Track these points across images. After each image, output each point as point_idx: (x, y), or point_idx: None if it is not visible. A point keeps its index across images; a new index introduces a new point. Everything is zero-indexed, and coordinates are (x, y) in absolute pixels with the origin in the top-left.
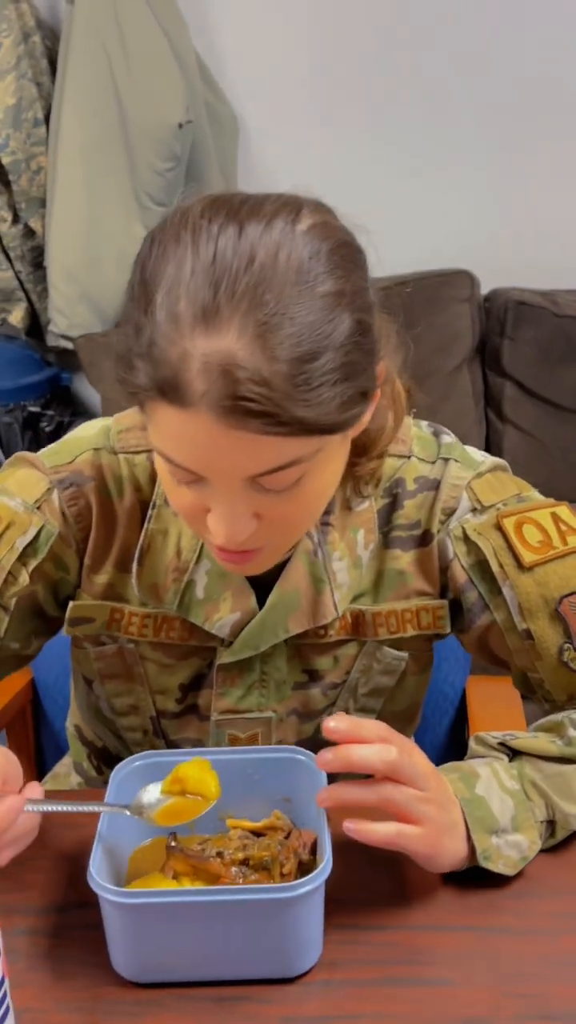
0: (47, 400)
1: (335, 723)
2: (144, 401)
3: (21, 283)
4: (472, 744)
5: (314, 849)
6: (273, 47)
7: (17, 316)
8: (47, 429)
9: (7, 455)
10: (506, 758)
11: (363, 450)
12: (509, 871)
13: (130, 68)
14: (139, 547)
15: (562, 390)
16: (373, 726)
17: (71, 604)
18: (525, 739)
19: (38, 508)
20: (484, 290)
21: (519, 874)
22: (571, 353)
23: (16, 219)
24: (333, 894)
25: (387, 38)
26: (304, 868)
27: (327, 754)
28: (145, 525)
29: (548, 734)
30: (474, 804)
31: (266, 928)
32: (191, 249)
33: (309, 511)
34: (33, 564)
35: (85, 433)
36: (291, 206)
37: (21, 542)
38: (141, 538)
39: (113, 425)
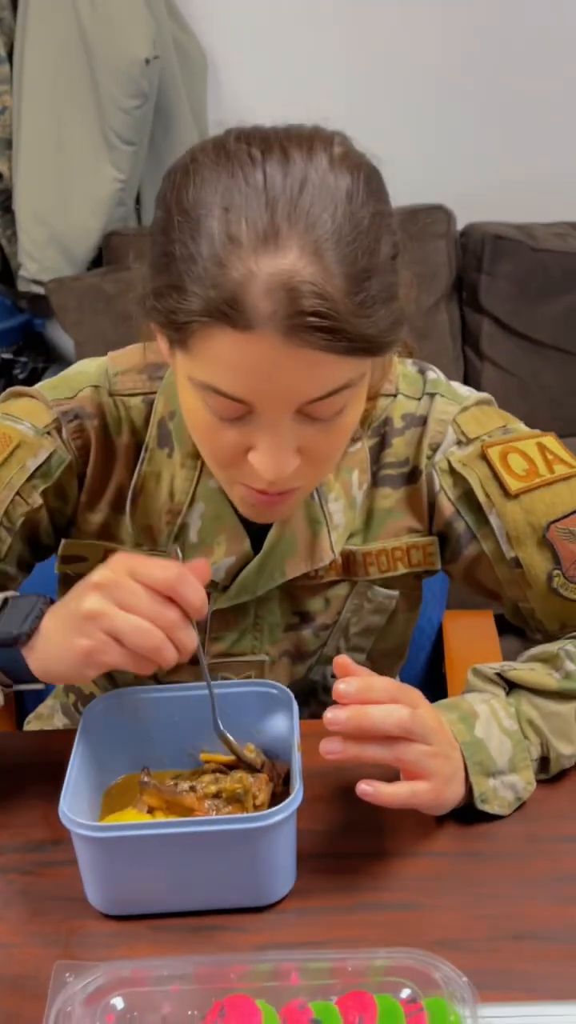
0: (20, 347)
1: (344, 686)
2: (195, 331)
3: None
4: (469, 676)
5: (287, 780)
6: None
7: None
8: (20, 376)
9: None
10: (503, 692)
11: None
12: (504, 812)
13: (94, 2)
14: (132, 488)
15: (540, 325)
16: (382, 685)
17: (64, 541)
18: (522, 671)
19: (48, 434)
20: (460, 225)
21: None
22: (549, 287)
23: None
24: (306, 823)
25: None
26: (278, 799)
27: (341, 713)
28: (138, 467)
29: (544, 665)
30: (474, 747)
31: (239, 858)
32: (239, 174)
33: (342, 445)
34: (43, 487)
35: (83, 369)
36: (323, 135)
37: (32, 463)
38: (134, 479)
39: (109, 367)
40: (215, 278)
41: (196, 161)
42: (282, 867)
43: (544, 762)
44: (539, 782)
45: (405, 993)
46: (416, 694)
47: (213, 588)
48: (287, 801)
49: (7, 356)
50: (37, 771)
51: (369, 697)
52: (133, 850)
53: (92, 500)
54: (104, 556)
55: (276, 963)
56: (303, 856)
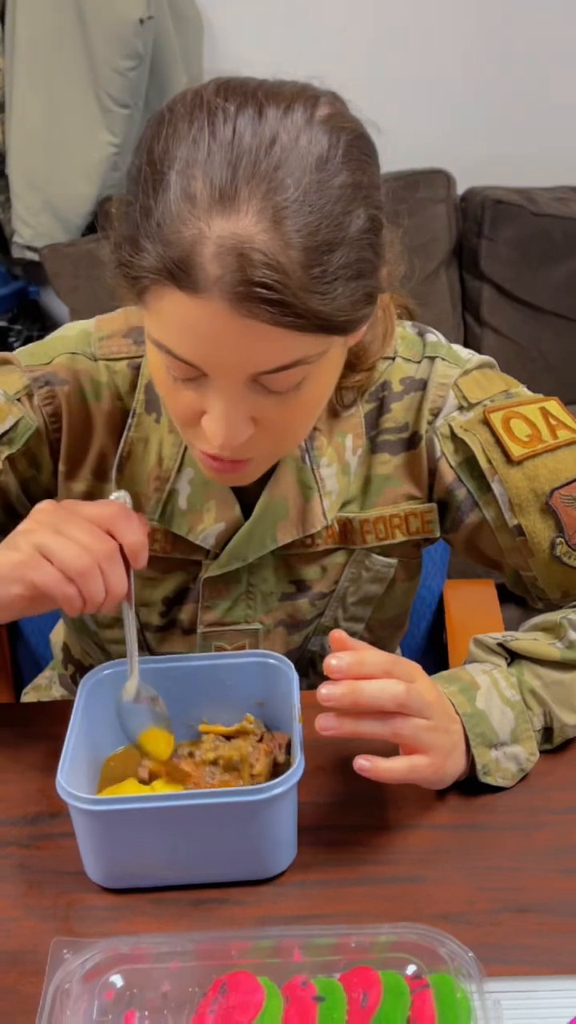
0: (15, 314)
1: (336, 661)
2: (148, 288)
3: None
4: (471, 647)
5: (289, 750)
6: None
7: None
8: (15, 344)
9: None
10: (504, 662)
11: (351, 363)
12: (506, 783)
13: None
14: (118, 455)
15: (541, 291)
16: (375, 659)
17: None
18: (524, 641)
19: (18, 400)
20: (460, 189)
21: None
22: (550, 253)
23: None
24: (307, 795)
25: None
26: (279, 770)
27: (335, 689)
28: (125, 433)
29: (546, 635)
30: (475, 719)
31: (240, 830)
32: (207, 128)
33: (304, 419)
34: (7, 452)
35: (63, 335)
36: (309, 93)
37: None
38: (121, 445)
39: (94, 331)
40: (167, 235)
41: (172, 111)
42: (283, 840)
43: (548, 732)
44: (542, 752)
45: (410, 969)
46: (413, 667)
47: (204, 556)
48: (288, 773)
49: (2, 324)
50: (35, 743)
51: (362, 672)
52: (132, 823)
53: (72, 469)
54: None
55: (278, 939)
56: (304, 829)
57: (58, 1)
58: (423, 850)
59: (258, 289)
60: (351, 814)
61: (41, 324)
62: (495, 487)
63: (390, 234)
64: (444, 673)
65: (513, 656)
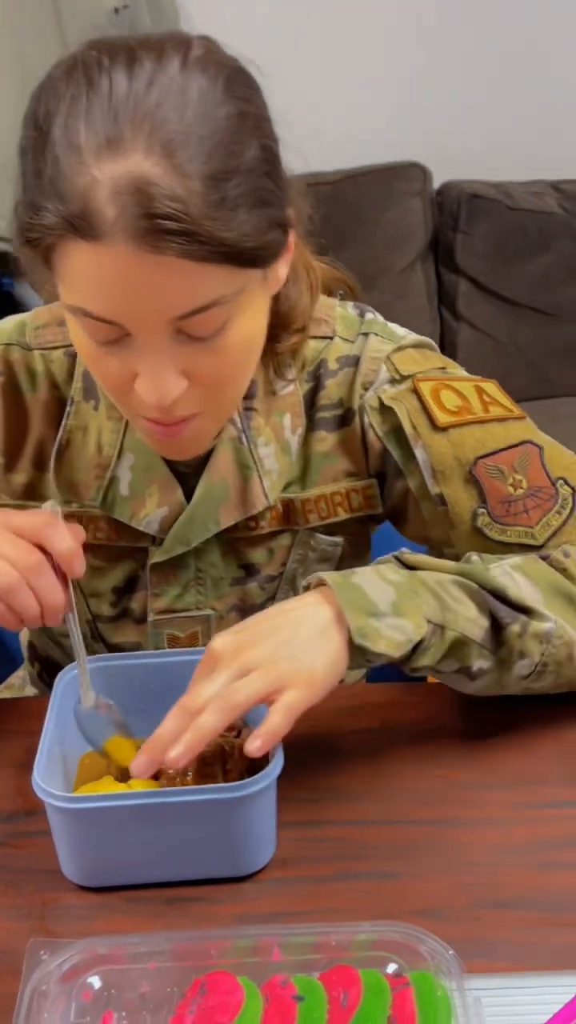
0: None
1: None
2: (53, 247)
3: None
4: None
5: None
6: None
7: None
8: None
9: None
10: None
11: (282, 324)
12: (393, 652)
13: None
14: (57, 443)
15: (516, 286)
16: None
17: None
18: (423, 556)
19: None
20: (436, 183)
21: (470, 765)
22: (525, 247)
23: None
24: (284, 791)
25: None
26: (256, 764)
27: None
28: (64, 421)
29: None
30: (347, 588)
31: (218, 828)
32: (85, 83)
33: (236, 369)
34: None
35: (1, 327)
36: (180, 37)
37: None
38: (59, 434)
39: (29, 321)
40: (60, 189)
41: (50, 76)
42: (261, 837)
43: (441, 631)
44: (511, 741)
45: (391, 968)
46: (212, 655)
47: (151, 542)
48: (267, 770)
49: None
50: (8, 740)
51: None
52: (108, 821)
53: (10, 461)
54: None
55: (257, 938)
56: (282, 824)
57: None
58: (401, 845)
59: (159, 221)
60: (329, 810)
61: (13, 312)
62: (418, 453)
63: (291, 179)
64: None
65: (408, 568)
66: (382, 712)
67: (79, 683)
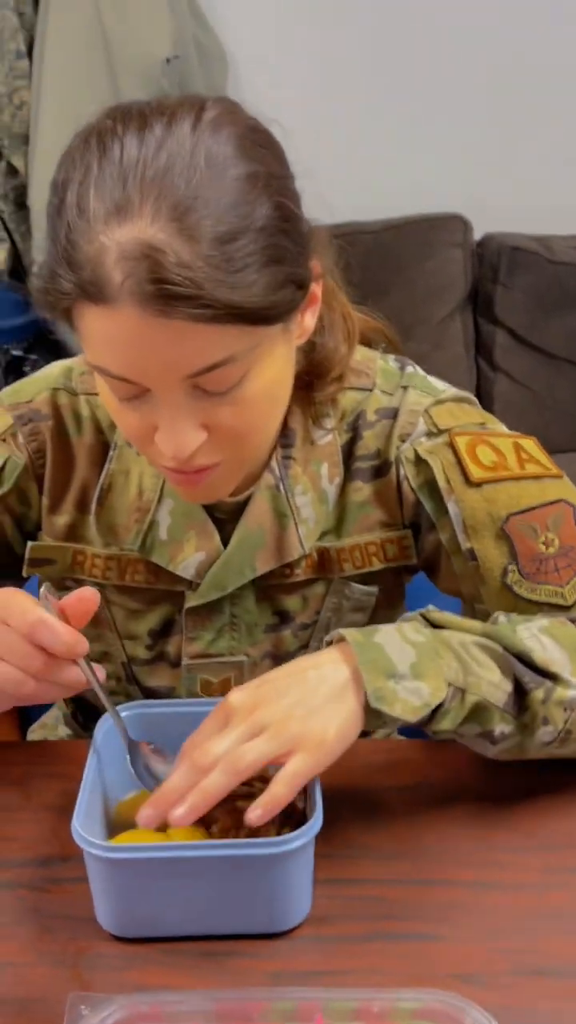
0: (30, 344)
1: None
2: (72, 311)
3: (4, 223)
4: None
5: (306, 794)
6: None
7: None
8: (30, 373)
9: None
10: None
11: (317, 372)
12: (409, 717)
13: (115, 0)
14: (99, 487)
15: (555, 338)
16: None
17: (30, 544)
18: (449, 615)
19: (3, 441)
20: (477, 235)
21: (508, 827)
22: (564, 301)
23: None
24: (321, 848)
25: None
26: (292, 814)
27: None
28: (106, 466)
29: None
30: (367, 648)
31: (255, 883)
32: (97, 150)
33: (258, 419)
34: None
35: (46, 373)
36: (194, 100)
37: None
38: (101, 478)
39: (75, 366)
40: (72, 255)
41: (71, 145)
42: (299, 893)
43: (461, 694)
44: (550, 805)
45: None
46: (214, 715)
47: (187, 587)
48: (306, 827)
49: (17, 353)
50: (44, 782)
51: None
52: (147, 872)
53: (55, 503)
54: (73, 558)
55: (298, 1001)
56: (319, 881)
57: (86, 38)
58: (438, 907)
59: (165, 286)
60: (365, 867)
61: (56, 354)
62: (451, 507)
63: (315, 228)
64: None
65: (434, 627)
66: (419, 769)
67: (121, 736)
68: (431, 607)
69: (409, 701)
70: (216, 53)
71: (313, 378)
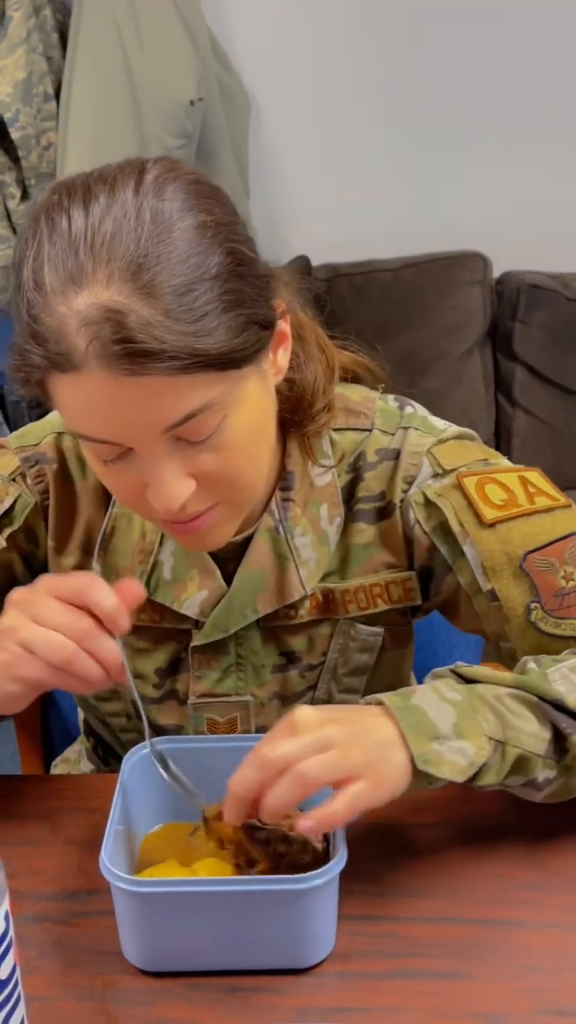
0: None
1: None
2: (45, 383)
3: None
4: (425, 680)
5: (326, 837)
6: (287, 25)
7: None
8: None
9: None
10: (453, 680)
11: (301, 407)
12: (457, 777)
13: (141, 42)
14: (103, 531)
15: (573, 374)
16: (248, 769)
17: None
18: (480, 668)
19: (13, 480)
20: (496, 272)
21: (531, 866)
22: None
23: (25, 195)
24: (346, 885)
25: (400, 17)
26: (316, 855)
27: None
28: (109, 510)
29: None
30: (407, 711)
31: (280, 919)
32: (46, 226)
33: (243, 460)
34: (8, 531)
35: (51, 418)
36: (134, 164)
37: None
38: (105, 522)
39: None
40: (35, 330)
41: (24, 224)
42: (323, 930)
43: (501, 747)
44: (573, 849)
45: None
46: (283, 726)
47: (193, 625)
48: (331, 864)
49: None
50: (69, 816)
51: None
52: (174, 906)
53: (60, 545)
54: None
55: None
56: (342, 918)
57: (113, 80)
58: (462, 945)
59: (129, 345)
60: (390, 905)
61: None
62: (467, 550)
63: (274, 269)
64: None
65: (465, 681)
66: (444, 808)
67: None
68: (460, 663)
69: (456, 762)
70: (239, 95)
71: (299, 415)
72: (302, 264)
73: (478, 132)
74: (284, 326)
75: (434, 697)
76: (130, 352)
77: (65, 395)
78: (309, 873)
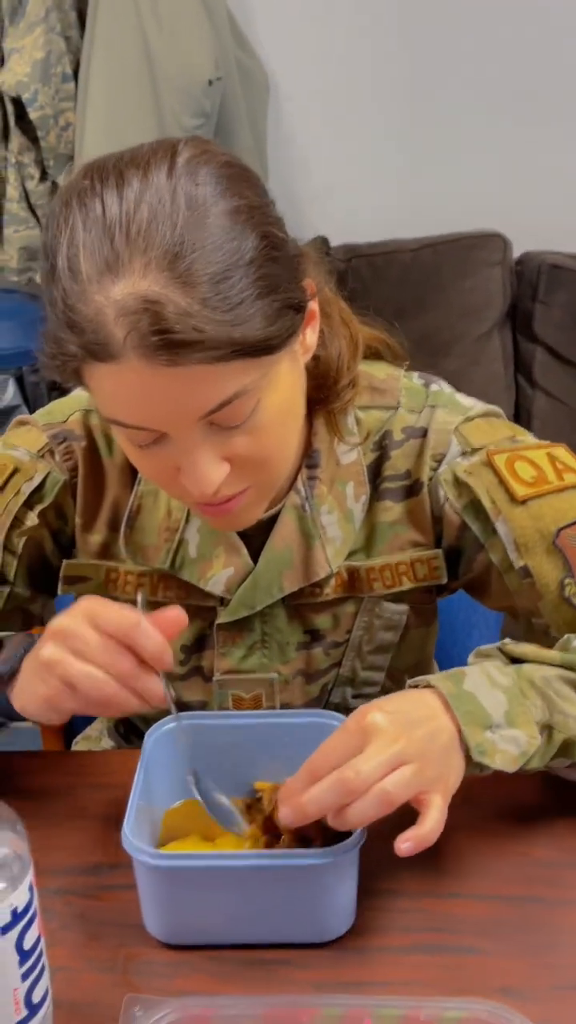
0: None
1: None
2: (81, 371)
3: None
4: (470, 658)
5: None
6: (305, 4)
7: None
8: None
9: None
10: (500, 660)
11: (326, 383)
12: (508, 767)
13: (160, 22)
14: (129, 509)
15: None
16: (303, 775)
17: (65, 562)
18: (524, 646)
19: (41, 457)
20: (516, 253)
21: (551, 843)
22: None
23: (44, 176)
24: (365, 861)
25: None
26: (328, 830)
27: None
28: (135, 488)
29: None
30: (462, 699)
31: (300, 894)
32: (79, 211)
33: (275, 442)
34: (39, 508)
35: (77, 395)
36: (165, 145)
37: (28, 487)
38: (131, 500)
39: None
40: (71, 319)
41: (54, 208)
42: (343, 905)
43: (549, 730)
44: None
45: None
46: (341, 730)
47: (219, 603)
48: (352, 838)
49: None
50: (90, 792)
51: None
52: (196, 880)
53: (88, 521)
54: (106, 575)
55: (346, 1008)
56: (363, 893)
57: (131, 60)
58: (481, 921)
59: (167, 336)
60: (409, 881)
61: None
62: (499, 527)
63: (302, 247)
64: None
65: (512, 660)
66: (464, 786)
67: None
68: (507, 641)
69: (508, 752)
70: (258, 75)
71: (324, 391)
72: (321, 245)
73: (499, 111)
74: (314, 306)
75: (486, 683)
76: (168, 343)
77: (101, 383)
78: (330, 848)
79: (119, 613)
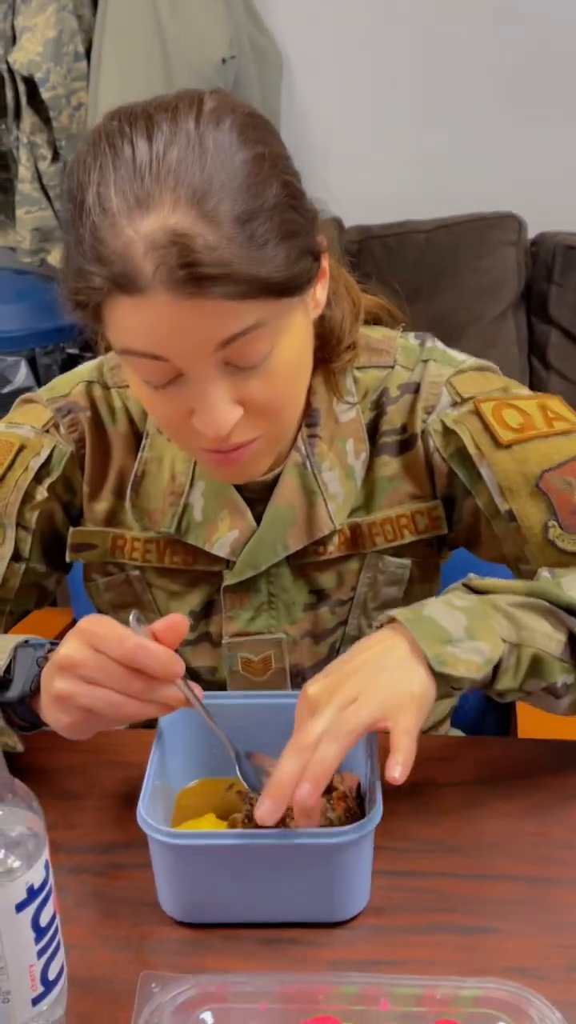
0: (86, 342)
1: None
2: (102, 306)
3: (60, 222)
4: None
5: (356, 791)
6: None
7: (56, 256)
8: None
9: None
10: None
11: (329, 343)
12: (475, 674)
13: (173, 1)
14: (134, 474)
15: None
16: (287, 759)
17: (72, 530)
18: (491, 580)
19: (47, 432)
20: (531, 234)
21: (565, 823)
22: None
23: (56, 157)
24: (380, 840)
25: None
26: (351, 812)
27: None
28: (140, 454)
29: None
30: (417, 621)
31: (315, 873)
32: (109, 152)
33: (287, 390)
34: (48, 481)
35: (78, 370)
36: (192, 94)
37: (36, 463)
38: (136, 466)
39: (105, 362)
40: (100, 252)
41: (79, 152)
42: (357, 884)
43: (517, 649)
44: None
45: None
46: (311, 687)
47: (224, 566)
48: (366, 819)
49: (73, 351)
50: (105, 770)
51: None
52: (210, 859)
53: (94, 490)
54: (113, 542)
55: (362, 986)
56: (377, 873)
57: (143, 39)
58: (495, 901)
59: (195, 269)
60: (425, 860)
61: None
62: (483, 471)
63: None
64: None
65: (478, 593)
66: (478, 766)
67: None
68: (472, 575)
69: (472, 660)
70: (271, 54)
71: (327, 352)
72: (334, 225)
73: (514, 92)
74: (324, 262)
75: (444, 607)
76: (197, 276)
77: (123, 315)
78: (345, 827)
79: (117, 636)
